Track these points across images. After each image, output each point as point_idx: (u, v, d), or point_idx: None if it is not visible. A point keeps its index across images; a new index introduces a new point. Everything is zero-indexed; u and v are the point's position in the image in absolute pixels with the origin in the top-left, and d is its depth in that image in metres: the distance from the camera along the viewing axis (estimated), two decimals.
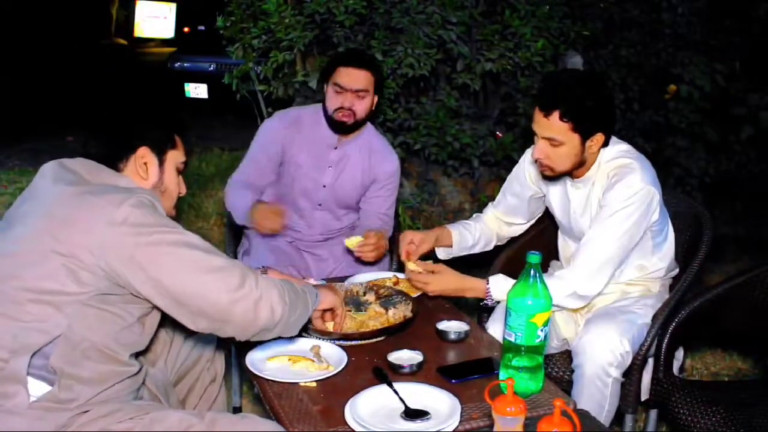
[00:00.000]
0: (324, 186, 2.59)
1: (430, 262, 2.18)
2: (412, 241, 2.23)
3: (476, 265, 2.41)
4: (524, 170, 2.33)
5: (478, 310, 2.38)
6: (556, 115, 1.96)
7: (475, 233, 2.39)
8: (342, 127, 2.51)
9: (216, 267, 1.48)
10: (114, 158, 1.60)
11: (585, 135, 2.00)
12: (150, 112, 1.69)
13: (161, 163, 1.65)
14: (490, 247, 2.45)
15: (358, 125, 2.53)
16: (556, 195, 2.25)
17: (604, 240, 2.01)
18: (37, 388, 1.40)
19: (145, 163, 1.62)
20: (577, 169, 2.10)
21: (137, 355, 1.59)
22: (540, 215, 2.43)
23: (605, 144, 2.07)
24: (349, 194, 2.62)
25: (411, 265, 2.13)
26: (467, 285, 2.10)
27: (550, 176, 2.12)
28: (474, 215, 2.49)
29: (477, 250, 2.42)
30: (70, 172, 1.54)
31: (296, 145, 2.56)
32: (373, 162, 2.60)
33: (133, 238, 1.42)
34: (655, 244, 2.15)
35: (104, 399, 1.45)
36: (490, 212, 2.44)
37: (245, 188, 2.56)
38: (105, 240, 1.41)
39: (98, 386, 1.44)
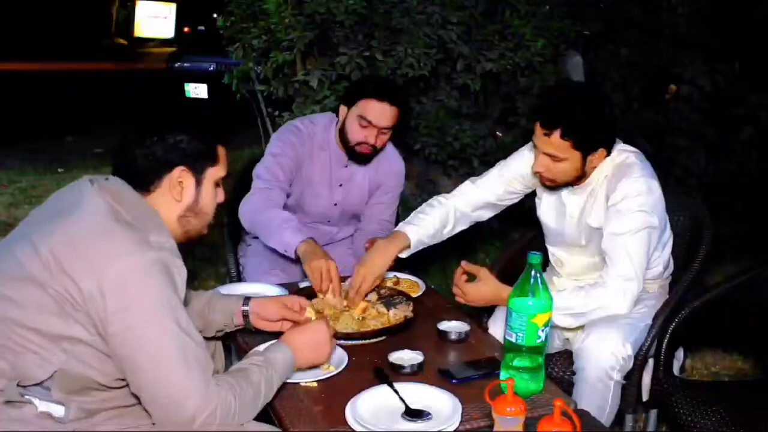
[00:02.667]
0: (335, 204, 2.55)
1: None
2: (373, 281, 2.06)
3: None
4: (525, 163, 2.24)
5: (479, 310, 2.38)
6: (557, 133, 1.94)
7: (436, 218, 2.26)
8: (361, 159, 2.45)
9: (176, 390, 1.34)
10: (145, 179, 1.48)
11: (586, 152, 1.99)
12: (188, 125, 1.51)
13: (199, 182, 1.52)
14: (459, 229, 2.32)
15: (375, 156, 2.47)
16: (549, 200, 2.23)
17: (630, 253, 1.96)
18: (45, 407, 1.38)
19: (181, 183, 1.49)
20: (579, 179, 2.09)
21: None
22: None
23: (607, 155, 2.05)
24: (358, 206, 2.59)
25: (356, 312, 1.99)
26: (505, 294, 1.98)
27: (551, 187, 2.11)
28: (435, 198, 2.34)
29: (447, 233, 2.30)
30: (97, 194, 1.43)
31: (310, 162, 2.48)
32: (379, 168, 2.55)
33: (128, 297, 1.33)
34: (660, 243, 2.15)
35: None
36: (460, 202, 2.30)
37: (281, 193, 2.38)
38: (103, 282, 1.32)
39: (103, 404, 1.43)
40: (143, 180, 1.48)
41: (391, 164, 2.58)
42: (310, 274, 2.07)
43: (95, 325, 1.34)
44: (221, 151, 1.56)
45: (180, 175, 1.49)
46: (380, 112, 2.33)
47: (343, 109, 2.42)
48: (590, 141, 1.98)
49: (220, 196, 1.60)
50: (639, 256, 1.97)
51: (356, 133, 2.37)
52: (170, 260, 1.41)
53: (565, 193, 2.16)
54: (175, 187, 1.49)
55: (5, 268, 1.39)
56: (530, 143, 2.27)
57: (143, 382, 1.36)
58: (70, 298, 1.33)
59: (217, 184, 1.58)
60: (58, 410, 1.38)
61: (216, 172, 1.55)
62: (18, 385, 1.35)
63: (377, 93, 2.33)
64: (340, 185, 2.53)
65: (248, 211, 2.36)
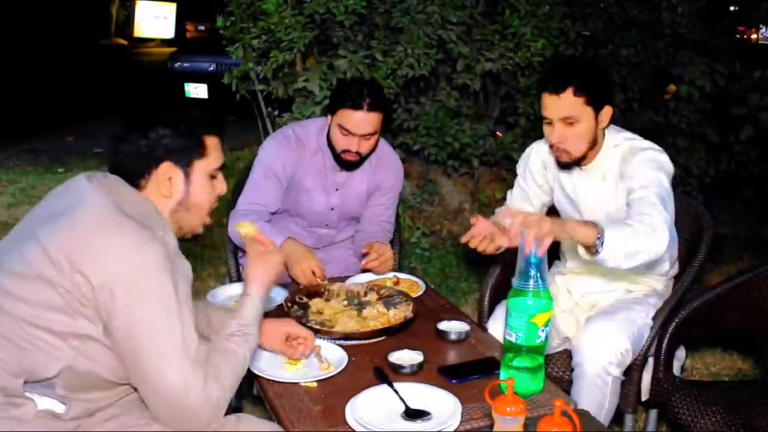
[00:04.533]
0: (332, 208, 2.54)
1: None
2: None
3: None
4: (528, 163, 2.31)
5: (479, 310, 2.38)
6: (569, 91, 1.98)
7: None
8: (348, 166, 2.43)
9: (178, 383, 1.36)
10: (134, 175, 1.49)
11: (597, 107, 2.03)
12: (168, 120, 1.51)
13: (187, 176, 1.51)
14: None
15: (364, 161, 2.45)
16: (565, 184, 2.23)
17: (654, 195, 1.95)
18: (47, 404, 1.38)
19: (170, 179, 1.49)
20: (588, 154, 2.09)
21: None
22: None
23: (610, 122, 2.10)
24: (356, 209, 2.57)
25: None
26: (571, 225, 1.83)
27: (566, 163, 2.10)
28: (500, 210, 2.38)
29: None
30: (97, 190, 1.44)
31: (303, 169, 2.46)
32: (377, 170, 2.53)
33: (136, 291, 1.35)
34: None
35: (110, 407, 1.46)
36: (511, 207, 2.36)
37: (259, 219, 2.38)
38: (113, 276, 1.34)
39: (105, 401, 1.44)
40: (133, 176, 1.49)
41: (388, 165, 2.57)
42: (299, 278, 2.22)
43: (101, 318, 1.35)
44: (211, 142, 1.54)
45: (167, 170, 1.49)
46: (358, 122, 2.31)
47: (328, 116, 2.41)
48: (600, 94, 2.03)
49: (221, 188, 1.59)
50: (665, 206, 1.93)
51: (339, 142, 2.37)
52: (175, 257, 1.43)
53: (577, 174, 2.17)
54: (164, 183, 1.49)
55: (14, 267, 1.40)
56: (526, 151, 2.30)
57: (145, 374, 1.37)
58: (78, 295, 1.34)
59: (212, 176, 1.56)
60: (58, 407, 1.39)
61: (206, 165, 1.54)
62: (24, 383, 1.36)
63: (352, 104, 2.30)
64: (336, 189, 2.51)
65: (233, 231, 2.44)
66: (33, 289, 1.36)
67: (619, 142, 2.11)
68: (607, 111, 2.06)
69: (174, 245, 1.45)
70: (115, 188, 1.46)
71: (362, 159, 2.42)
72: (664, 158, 2.07)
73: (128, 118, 1.54)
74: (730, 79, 4.21)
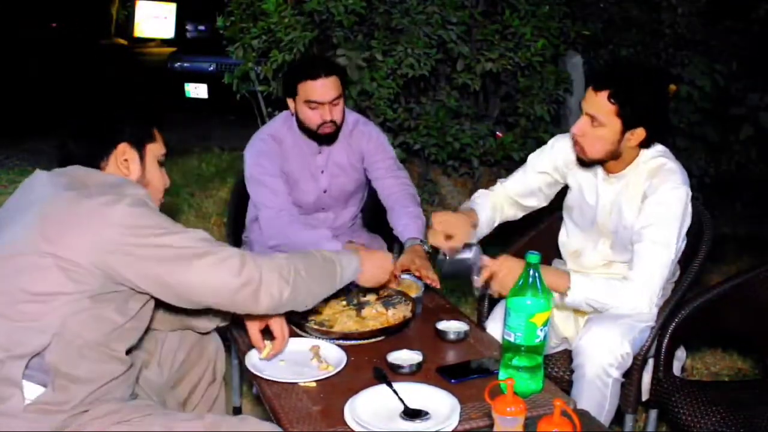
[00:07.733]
0: (325, 191, 2.56)
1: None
2: (448, 233, 2.04)
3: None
4: (549, 155, 2.28)
5: (478, 309, 2.38)
6: (605, 93, 1.95)
7: (484, 214, 2.28)
8: (329, 139, 2.46)
9: (215, 261, 1.48)
10: (94, 158, 1.60)
11: (627, 124, 1.97)
12: (125, 106, 1.68)
13: (142, 158, 1.65)
14: (489, 231, 2.33)
15: (339, 130, 2.47)
16: (585, 187, 2.20)
17: (661, 255, 1.98)
18: (32, 391, 1.40)
19: (126, 160, 1.62)
20: (611, 162, 2.07)
21: (130, 350, 1.58)
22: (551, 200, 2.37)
23: (646, 145, 2.04)
24: (348, 185, 2.59)
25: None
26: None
27: (583, 161, 2.08)
28: (478, 193, 2.36)
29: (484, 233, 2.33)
30: (62, 176, 1.55)
31: (287, 163, 2.50)
32: (351, 138, 2.55)
33: (131, 238, 1.42)
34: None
35: (98, 397, 1.45)
36: (501, 192, 2.35)
37: (301, 224, 2.41)
38: (101, 240, 1.40)
39: (92, 384, 1.44)
40: (92, 159, 1.60)
41: (361, 131, 2.57)
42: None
43: (107, 274, 1.42)
44: (157, 132, 1.71)
45: (123, 150, 1.62)
46: (322, 89, 2.34)
47: (290, 101, 2.44)
48: (635, 112, 1.96)
49: (166, 180, 1.74)
50: (667, 267, 1.99)
51: (312, 118, 2.39)
52: (148, 197, 1.52)
53: (600, 180, 2.14)
54: (121, 163, 1.62)
55: (2, 238, 1.48)
56: (550, 142, 2.30)
57: (186, 284, 1.47)
58: (72, 263, 1.40)
59: (160, 164, 1.71)
60: (47, 393, 1.40)
61: (156, 149, 1.69)
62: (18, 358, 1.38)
63: (309, 73, 2.35)
64: (322, 172, 2.54)
65: (277, 235, 2.42)
66: (20, 260, 1.42)
67: (648, 158, 2.06)
68: (638, 133, 1.99)
69: (147, 194, 1.53)
70: (74, 173, 1.55)
71: (338, 128, 2.44)
72: (682, 200, 1.99)
73: (86, 104, 1.68)
74: (730, 79, 4.21)
